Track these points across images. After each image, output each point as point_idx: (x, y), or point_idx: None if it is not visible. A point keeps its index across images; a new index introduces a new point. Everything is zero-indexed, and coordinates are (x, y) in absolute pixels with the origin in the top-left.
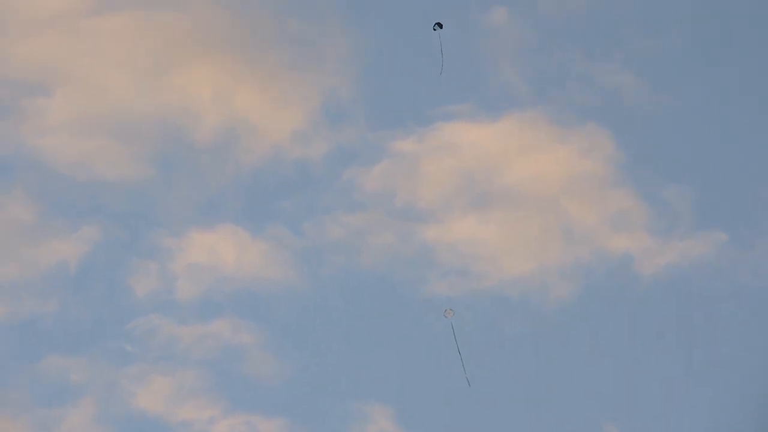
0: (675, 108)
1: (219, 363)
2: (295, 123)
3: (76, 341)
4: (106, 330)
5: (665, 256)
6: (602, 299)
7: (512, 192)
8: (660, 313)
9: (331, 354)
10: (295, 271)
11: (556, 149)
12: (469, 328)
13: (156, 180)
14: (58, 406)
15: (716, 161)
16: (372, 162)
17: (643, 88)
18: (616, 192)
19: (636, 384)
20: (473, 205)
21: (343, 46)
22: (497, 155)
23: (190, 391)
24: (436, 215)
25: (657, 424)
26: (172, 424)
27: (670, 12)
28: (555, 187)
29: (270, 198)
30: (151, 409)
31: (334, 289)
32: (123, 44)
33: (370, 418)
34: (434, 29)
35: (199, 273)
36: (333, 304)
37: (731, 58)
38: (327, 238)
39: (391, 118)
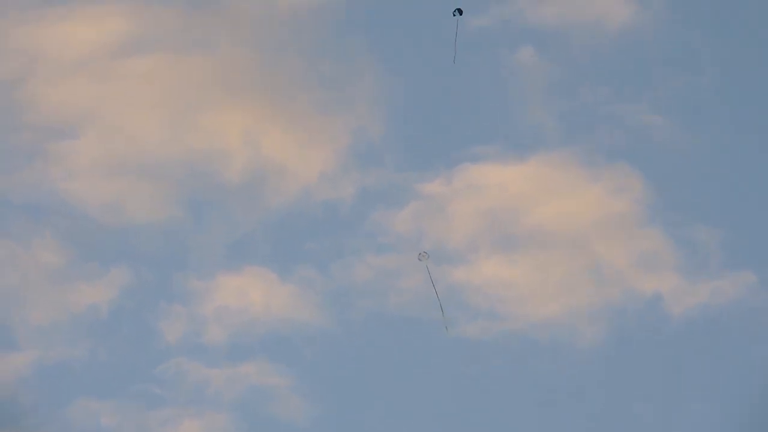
0: (704, 148)
1: (248, 405)
2: (323, 164)
3: (106, 385)
4: (136, 373)
5: (695, 297)
6: (631, 340)
7: (541, 233)
8: (690, 354)
9: (360, 396)
10: (323, 313)
11: (585, 190)
12: (497, 370)
13: (185, 223)
14: None
15: (745, 201)
16: (400, 204)
17: (673, 128)
18: (646, 232)
19: (667, 426)
20: (501, 246)
21: (371, 88)
22: (525, 196)
23: None
24: (464, 257)
25: None
26: None
27: (699, 51)
28: (584, 228)
29: (298, 240)
30: None
31: (362, 331)
32: (151, 87)
33: None
34: (453, 15)
35: (227, 316)
36: (361, 346)
37: (760, 98)
38: (355, 280)
39: (418, 160)
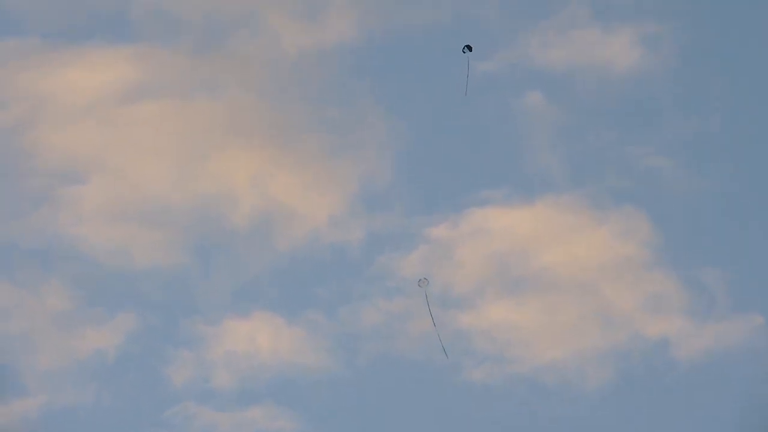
0: (712, 190)
1: None
2: (331, 208)
3: (114, 430)
4: (144, 418)
5: (702, 340)
6: (638, 384)
7: (548, 276)
8: (697, 398)
9: (371, 426)
10: (331, 358)
11: (592, 233)
12: (505, 414)
13: (192, 267)
14: None
15: (752, 243)
16: (408, 248)
17: (680, 171)
18: (653, 275)
19: None
20: (509, 290)
21: (378, 132)
22: (532, 240)
23: None
24: (471, 301)
25: None
26: None
27: (706, 95)
28: (591, 271)
29: (306, 284)
30: None
31: (370, 375)
32: (158, 132)
33: None
34: (463, 52)
35: (235, 360)
36: (369, 391)
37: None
38: (363, 324)
39: (426, 204)
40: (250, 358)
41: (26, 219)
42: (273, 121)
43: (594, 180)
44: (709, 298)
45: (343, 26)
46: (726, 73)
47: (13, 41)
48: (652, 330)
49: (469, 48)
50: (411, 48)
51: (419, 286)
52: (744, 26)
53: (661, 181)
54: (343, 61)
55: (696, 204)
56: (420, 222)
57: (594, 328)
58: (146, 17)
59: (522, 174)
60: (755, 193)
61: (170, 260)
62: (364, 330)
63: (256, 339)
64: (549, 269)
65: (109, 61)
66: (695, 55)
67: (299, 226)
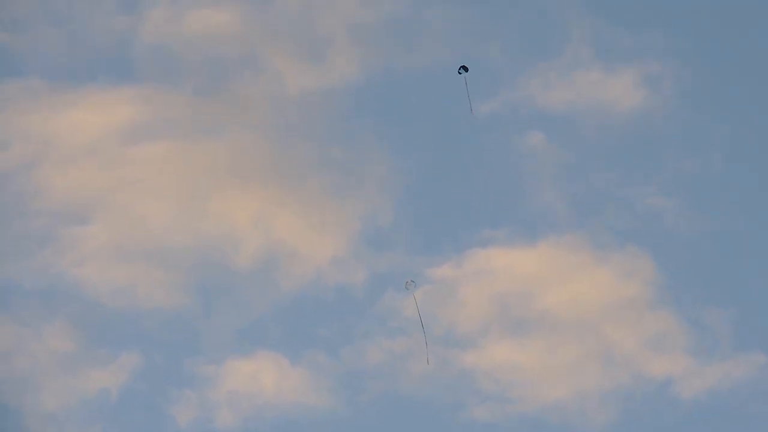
0: (714, 230)
1: None
2: (334, 248)
3: None
4: None
5: (705, 379)
6: (642, 424)
7: (550, 316)
8: None
9: None
10: (334, 397)
11: (595, 273)
12: None
13: (196, 307)
14: None
15: (755, 283)
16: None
17: (682, 211)
18: (656, 315)
19: None
20: (511, 330)
21: (382, 172)
22: (535, 280)
23: None
24: (474, 341)
25: None
26: None
27: (708, 135)
28: (594, 311)
29: (310, 324)
30: None
31: (373, 414)
32: (161, 173)
33: None
34: (459, 72)
35: (238, 400)
36: (373, 430)
37: None
38: (366, 364)
39: (429, 244)
40: (253, 398)
41: (30, 259)
42: (276, 161)
43: (596, 220)
44: (712, 338)
45: (345, 67)
46: (728, 113)
47: (16, 82)
48: (655, 370)
49: (465, 68)
50: (413, 88)
51: (406, 288)
52: (746, 66)
53: (664, 221)
54: (345, 102)
55: (698, 244)
56: (422, 262)
57: (597, 367)
58: (148, 58)
59: (524, 214)
60: (758, 233)
61: (173, 300)
62: (367, 369)
63: (260, 379)
64: (551, 309)
65: (112, 102)
66: (697, 96)
67: (302, 266)
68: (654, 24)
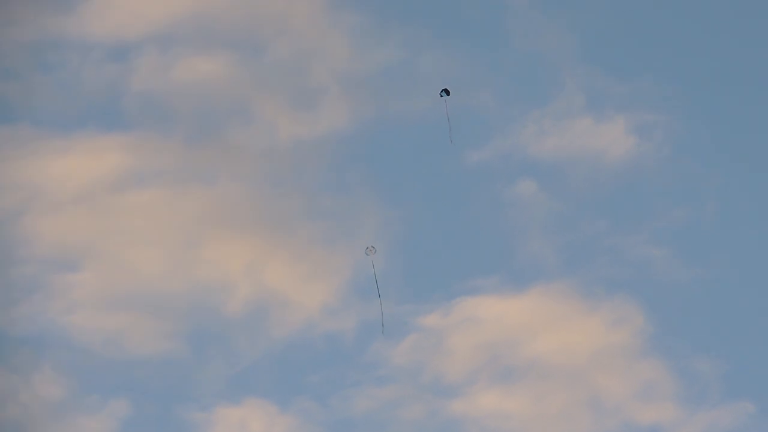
0: (704, 279)
1: None
2: (325, 297)
3: None
4: None
5: (694, 428)
6: None
7: (539, 365)
8: None
9: None
10: None
11: (585, 321)
12: None
13: (186, 355)
14: None
15: (744, 332)
16: (399, 336)
17: (672, 260)
18: (645, 363)
19: None
20: (500, 378)
21: (370, 221)
22: (524, 328)
23: None
24: (462, 389)
25: None
26: None
27: (699, 184)
28: (583, 359)
29: (299, 371)
30: None
31: None
32: (151, 220)
33: None
34: (441, 95)
35: None
36: None
37: (760, 231)
38: (355, 412)
39: (417, 292)
40: None
41: (18, 306)
42: (266, 210)
43: (586, 268)
44: (701, 387)
45: (336, 116)
46: (719, 162)
47: (6, 129)
48: (643, 418)
49: (447, 92)
50: (404, 138)
51: (366, 254)
52: (737, 115)
53: (654, 270)
54: (336, 151)
55: (688, 293)
56: (411, 310)
57: (585, 416)
58: (138, 106)
59: (514, 262)
60: (747, 283)
61: (163, 347)
62: (356, 417)
63: (249, 426)
64: (540, 357)
65: (102, 150)
66: (688, 144)
67: (292, 314)
68: (645, 73)
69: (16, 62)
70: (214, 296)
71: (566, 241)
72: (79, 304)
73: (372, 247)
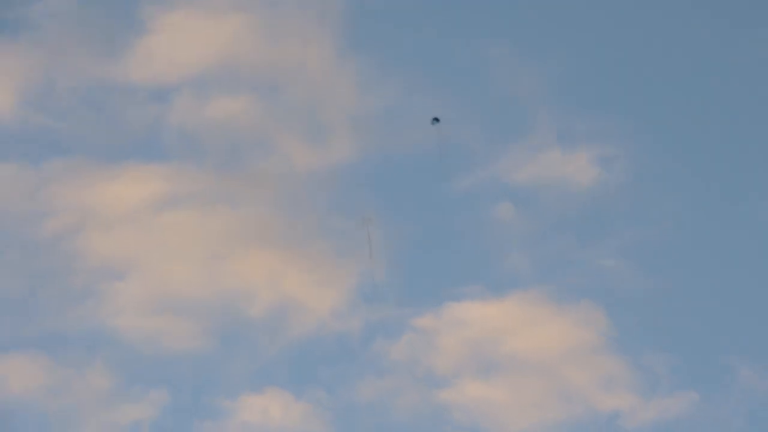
0: (656, 288)
1: None
2: (334, 302)
3: None
4: None
5: (647, 413)
6: None
7: (516, 359)
8: None
9: None
10: (332, 428)
11: (555, 323)
12: None
13: (215, 352)
14: None
15: (690, 332)
16: (397, 335)
17: (630, 270)
18: (607, 359)
19: None
20: (482, 371)
21: (374, 238)
22: (503, 329)
23: None
24: (450, 380)
25: None
26: None
27: (652, 206)
28: (553, 355)
29: (312, 365)
30: None
31: None
32: (186, 236)
33: None
34: (432, 123)
35: (251, 429)
36: None
37: (705, 246)
38: (359, 399)
39: (413, 298)
40: (263, 429)
41: (74, 311)
42: (284, 228)
43: (556, 278)
44: (654, 378)
45: (344, 149)
46: (669, 189)
47: (63, 160)
48: (605, 405)
49: (437, 120)
50: (401, 167)
51: (363, 224)
52: (683, 150)
53: (614, 280)
54: (344, 179)
55: (644, 299)
56: (407, 314)
57: (555, 403)
58: (175, 140)
59: (494, 273)
60: (693, 290)
61: (196, 345)
62: (360, 404)
63: (269, 412)
64: (517, 354)
65: (144, 177)
66: (642, 173)
67: (306, 317)
68: (606, 113)
69: (73, 103)
70: (239, 301)
71: (539, 255)
72: (125, 308)
73: (369, 218)
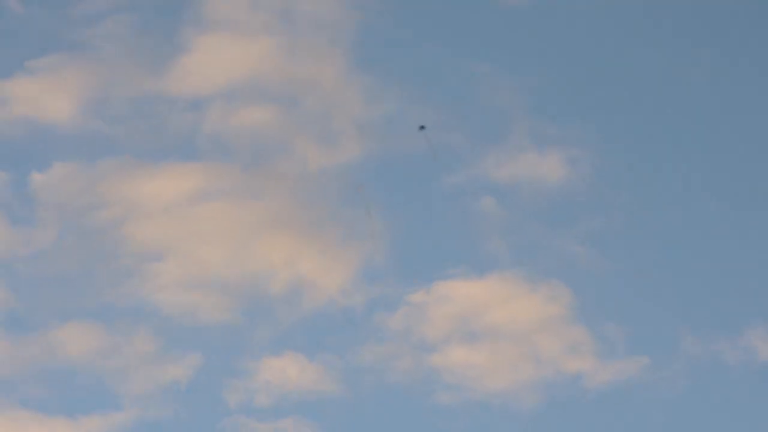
0: (615, 269)
1: None
2: (342, 281)
3: None
4: (207, 428)
5: (605, 375)
6: (560, 407)
7: (495, 329)
8: (602, 416)
9: None
10: (340, 386)
11: (528, 299)
12: (463, 430)
13: (241, 322)
14: None
15: (642, 307)
16: (394, 309)
17: (593, 254)
18: (571, 328)
19: None
20: (466, 339)
21: (374, 227)
22: (484, 303)
23: None
24: (440, 347)
25: None
26: None
27: (612, 200)
28: (526, 326)
29: (323, 333)
30: None
31: (367, 398)
32: (217, 225)
33: None
34: (419, 130)
35: (272, 387)
36: (367, 408)
37: (656, 234)
38: (363, 362)
39: (408, 278)
40: (282, 386)
41: (122, 287)
42: (300, 218)
43: (529, 261)
44: (611, 345)
45: (352, 151)
46: (627, 184)
47: (114, 160)
48: (569, 368)
49: (423, 127)
50: (399, 166)
51: (358, 192)
52: (638, 152)
53: (578, 262)
54: (351, 176)
55: (603, 278)
56: (403, 291)
57: (527, 366)
58: (208, 143)
59: (476, 256)
60: (645, 271)
61: (225, 317)
62: (363, 366)
63: (287, 372)
64: (495, 324)
65: (181, 175)
66: (604, 172)
67: (319, 293)
68: (574, 121)
69: (123, 111)
70: (262, 280)
71: (515, 241)
72: (165, 285)
73: (361, 186)
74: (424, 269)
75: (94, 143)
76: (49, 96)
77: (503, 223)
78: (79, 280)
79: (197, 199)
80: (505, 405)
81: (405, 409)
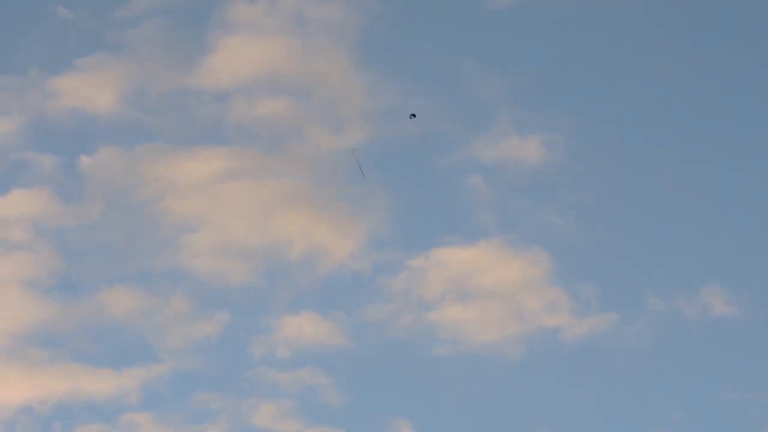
0: (588, 237)
1: (304, 394)
2: (351, 248)
3: (217, 384)
4: (234, 377)
5: (580, 330)
6: (540, 358)
7: (485, 290)
8: (578, 365)
9: (374, 384)
10: (349, 340)
11: (514, 263)
12: (456, 377)
13: (264, 285)
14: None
15: (612, 269)
16: (397, 272)
17: (569, 225)
18: (551, 289)
19: (561, 409)
20: (460, 299)
21: (381, 204)
22: (475, 267)
23: (288, 413)
24: (436, 306)
25: None
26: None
27: (583, 177)
28: (512, 287)
29: (335, 294)
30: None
31: (373, 351)
32: (242, 201)
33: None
34: (410, 118)
35: (290, 341)
36: (373, 359)
37: (625, 206)
38: (369, 319)
39: (408, 245)
40: (300, 340)
41: (161, 255)
42: (314, 194)
43: (515, 230)
44: (585, 303)
45: (357, 136)
46: (598, 163)
47: (151, 145)
48: (549, 322)
49: (413, 115)
50: (399, 149)
51: (354, 154)
52: (610, 133)
53: (557, 231)
54: (357, 158)
55: (578, 246)
56: (404, 256)
57: (513, 322)
58: (233, 130)
59: (468, 226)
60: (616, 238)
61: (250, 280)
62: (370, 323)
63: (303, 328)
64: (486, 286)
65: (210, 157)
66: (578, 154)
67: (331, 259)
68: (551, 109)
69: (159, 103)
70: (282, 248)
71: (501, 213)
72: (198, 253)
73: (356, 150)
74: (422, 238)
75: (134, 130)
76: (94, 90)
77: (490, 198)
78: (122, 249)
79: (224, 179)
80: (493, 356)
81: (406, 360)
